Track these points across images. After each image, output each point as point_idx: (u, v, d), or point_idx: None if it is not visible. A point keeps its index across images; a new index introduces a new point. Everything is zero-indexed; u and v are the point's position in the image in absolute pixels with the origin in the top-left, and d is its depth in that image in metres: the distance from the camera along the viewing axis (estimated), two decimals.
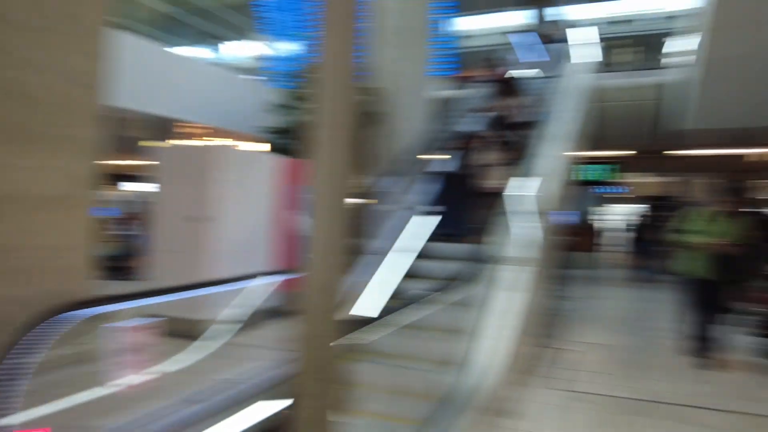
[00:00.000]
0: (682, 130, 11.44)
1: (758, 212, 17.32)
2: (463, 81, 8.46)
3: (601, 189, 21.07)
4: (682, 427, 3.95)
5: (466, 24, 24.20)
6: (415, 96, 8.98)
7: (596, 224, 19.52)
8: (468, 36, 23.74)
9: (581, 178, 17.21)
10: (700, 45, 8.72)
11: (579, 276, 11.89)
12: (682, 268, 5.42)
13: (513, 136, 5.48)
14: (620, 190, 23.46)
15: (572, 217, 19.02)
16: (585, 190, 19.48)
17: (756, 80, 9.31)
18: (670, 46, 11.22)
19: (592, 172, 17.35)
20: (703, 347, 5.36)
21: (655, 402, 4.44)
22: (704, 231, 5.10)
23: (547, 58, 9.66)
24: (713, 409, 4.32)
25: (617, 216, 20.26)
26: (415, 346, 4.55)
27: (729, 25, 7.95)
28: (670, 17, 16.34)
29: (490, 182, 5.32)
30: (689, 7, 9.06)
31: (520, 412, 4.09)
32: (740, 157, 18.48)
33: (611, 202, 30.71)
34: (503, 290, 4.48)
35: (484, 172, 5.35)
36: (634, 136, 13.56)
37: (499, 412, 3.98)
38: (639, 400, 4.47)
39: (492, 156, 5.36)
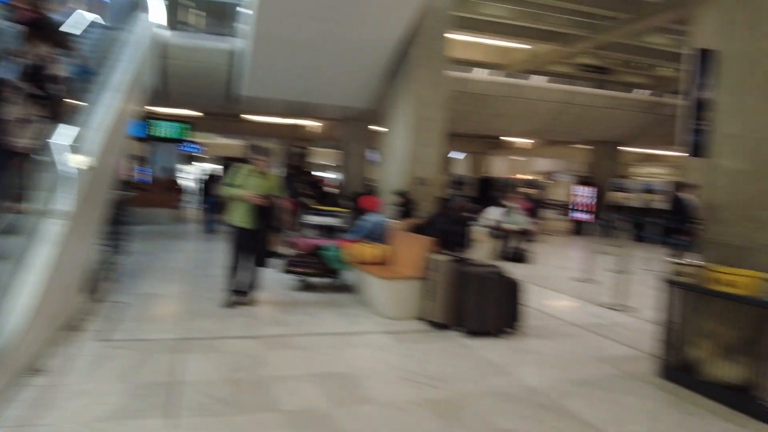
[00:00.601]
0: (250, 97, 12.55)
1: (310, 173, 20.39)
2: (10, 12, 7.27)
3: (185, 147, 21.38)
4: (210, 355, 4.53)
5: None
6: None
7: (180, 181, 19.81)
8: None
9: (160, 135, 17.08)
10: (252, 19, 9.69)
11: (150, 230, 11.97)
12: (230, 219, 6.08)
13: (53, 89, 4.98)
14: (200, 150, 24.33)
15: (152, 173, 18.75)
16: (167, 147, 19.43)
17: (300, 62, 10.93)
18: (239, 15, 12.07)
19: (171, 130, 17.37)
20: (244, 288, 6.17)
21: (193, 339, 4.94)
22: (243, 185, 5.85)
23: (112, 4, 9.20)
24: (241, 337, 5.09)
25: (197, 174, 20.97)
26: None
27: (273, 5, 9.04)
28: None
29: (21, 140, 4.73)
30: None
31: (55, 368, 3.98)
32: (302, 126, 21.47)
33: (194, 160, 31.38)
34: (41, 247, 4.23)
35: (14, 127, 4.69)
36: (210, 97, 14.18)
37: (31, 371, 3.80)
38: (179, 339, 4.89)
39: (25, 110, 4.75)
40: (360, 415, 3.54)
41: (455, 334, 5.45)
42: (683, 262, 4.54)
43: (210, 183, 13.05)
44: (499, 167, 30.98)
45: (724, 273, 4.03)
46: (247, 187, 5.83)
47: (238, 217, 5.94)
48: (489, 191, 20.23)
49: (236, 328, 5.37)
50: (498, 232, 10.80)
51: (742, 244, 4.25)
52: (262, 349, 4.81)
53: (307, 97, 12.76)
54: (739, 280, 3.91)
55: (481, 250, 9.27)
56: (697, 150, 4.76)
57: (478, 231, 9.95)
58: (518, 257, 10.52)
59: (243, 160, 6.47)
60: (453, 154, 26.94)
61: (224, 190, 6.08)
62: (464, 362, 4.71)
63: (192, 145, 21.65)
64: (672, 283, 4.38)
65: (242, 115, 19.31)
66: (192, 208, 16.81)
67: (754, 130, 4.24)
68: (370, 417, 3.51)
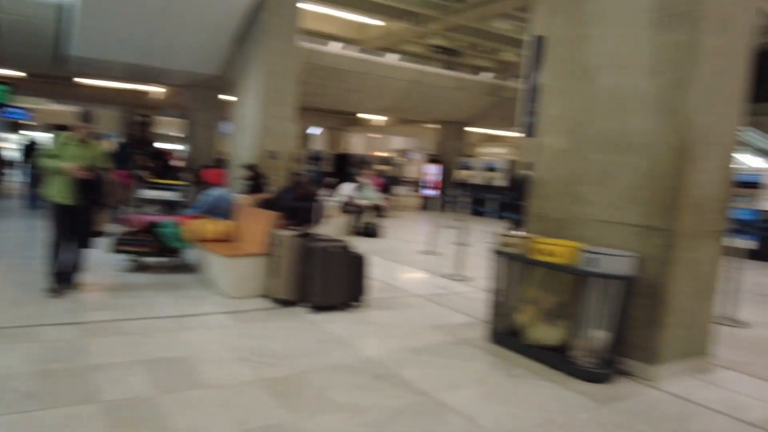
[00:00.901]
0: (81, 57, 11.27)
1: (151, 143, 19.09)
2: None
3: (7, 113, 18.86)
4: (21, 345, 4.00)
5: None
6: None
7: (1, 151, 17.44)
8: None
9: None
10: None
11: None
12: (49, 194, 5.37)
13: None
14: (26, 116, 21.58)
15: None
16: None
17: (137, 21, 10.01)
18: None
19: None
20: (67, 270, 5.51)
21: (1, 328, 4.34)
22: (60, 155, 5.19)
23: None
24: (60, 324, 4.55)
25: (20, 143, 18.65)
26: None
27: None
28: None
29: None
30: None
31: None
32: (145, 93, 19.84)
33: (19, 127, 27.87)
34: None
35: None
36: (35, 57, 12.53)
37: None
38: None
39: None
40: (189, 400, 3.33)
41: (300, 310, 5.38)
42: (510, 233, 4.85)
43: (30, 153, 11.62)
44: (356, 144, 31.30)
45: (545, 243, 4.35)
46: (65, 158, 5.18)
47: (57, 191, 5.26)
48: (345, 167, 20.38)
49: (55, 314, 4.81)
50: (351, 208, 10.88)
51: (562, 217, 4.64)
52: (84, 336, 4.36)
53: (147, 60, 11.76)
54: (557, 249, 4.24)
55: (334, 225, 9.29)
56: (531, 131, 5.07)
57: (332, 206, 9.94)
58: (370, 232, 10.70)
59: (66, 128, 5.74)
60: (311, 130, 26.70)
61: (41, 161, 5.36)
62: (307, 338, 4.66)
63: (16, 111, 19.15)
64: (499, 254, 4.66)
65: (74, 78, 17.38)
66: (13, 181, 14.93)
67: (572, 111, 4.60)
68: (200, 401, 3.32)
